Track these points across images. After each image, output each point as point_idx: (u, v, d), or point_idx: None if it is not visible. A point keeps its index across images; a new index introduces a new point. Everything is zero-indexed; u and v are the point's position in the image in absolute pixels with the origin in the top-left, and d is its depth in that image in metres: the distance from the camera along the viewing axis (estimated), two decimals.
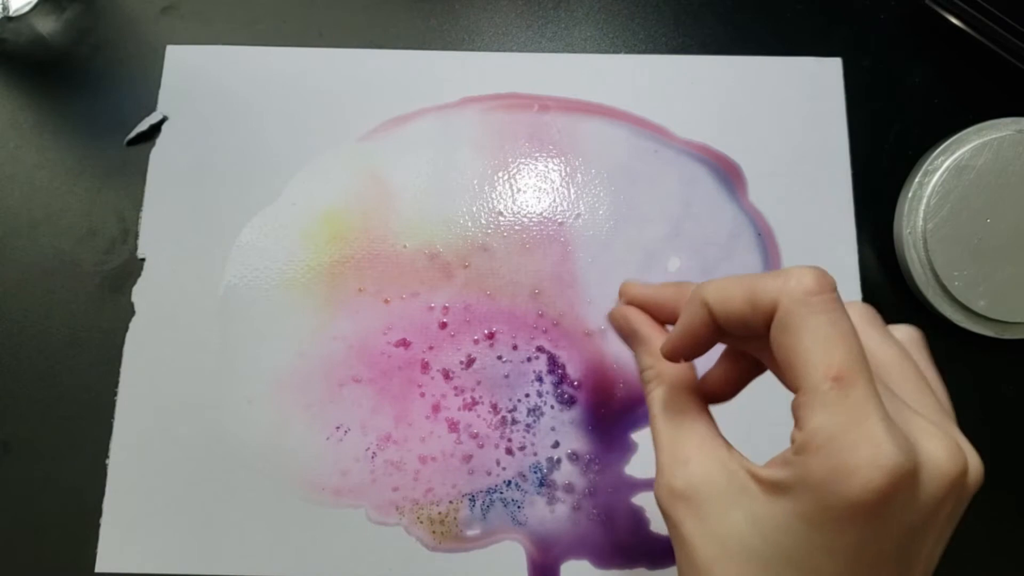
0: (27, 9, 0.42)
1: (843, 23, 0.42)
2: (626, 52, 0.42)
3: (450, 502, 0.36)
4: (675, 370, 0.22)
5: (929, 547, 0.18)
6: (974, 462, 0.18)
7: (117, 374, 0.37)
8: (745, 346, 0.21)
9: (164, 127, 0.41)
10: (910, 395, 0.19)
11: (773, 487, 0.18)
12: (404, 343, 0.38)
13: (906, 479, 0.16)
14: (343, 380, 0.37)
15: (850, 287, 0.38)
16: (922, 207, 0.37)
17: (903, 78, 0.41)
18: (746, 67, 0.41)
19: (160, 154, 0.40)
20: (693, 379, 0.22)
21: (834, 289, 0.17)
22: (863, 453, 0.16)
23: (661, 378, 0.22)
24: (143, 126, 0.41)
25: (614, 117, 0.41)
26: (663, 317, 0.23)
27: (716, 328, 0.20)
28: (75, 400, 0.37)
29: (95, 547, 0.35)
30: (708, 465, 0.19)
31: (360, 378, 0.37)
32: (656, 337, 0.22)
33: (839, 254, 0.39)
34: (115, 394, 0.37)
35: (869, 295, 0.38)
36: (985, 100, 0.41)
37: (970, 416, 0.37)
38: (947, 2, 0.40)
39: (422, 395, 0.37)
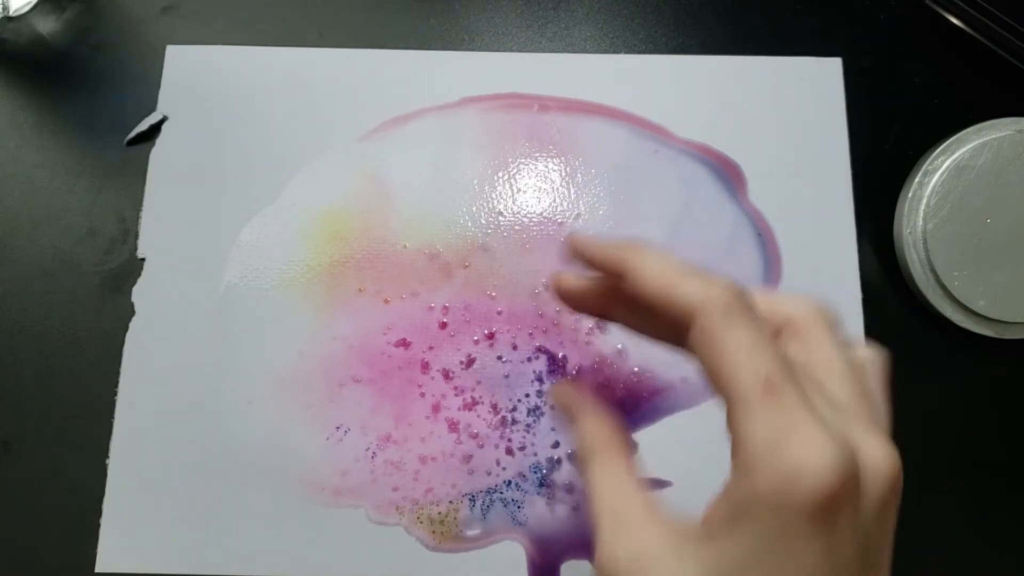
0: (27, 9, 0.42)
1: (843, 23, 0.42)
2: (626, 52, 0.42)
3: (450, 502, 0.36)
4: (609, 443, 0.22)
5: (887, 546, 0.18)
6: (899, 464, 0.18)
7: (117, 374, 0.37)
8: (641, 326, 0.23)
9: (164, 127, 0.41)
10: (843, 401, 0.19)
11: (723, 523, 0.17)
12: (404, 343, 0.38)
13: (853, 478, 0.16)
14: (343, 380, 0.37)
15: (850, 287, 0.38)
16: (922, 207, 0.37)
17: (903, 78, 0.41)
18: (746, 67, 0.41)
19: (160, 154, 0.40)
20: (627, 451, 0.22)
21: (750, 299, 0.18)
22: (807, 456, 0.16)
23: (596, 453, 0.22)
24: (143, 126, 0.41)
25: (614, 117, 0.41)
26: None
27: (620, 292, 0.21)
28: (75, 400, 0.37)
29: (95, 547, 0.35)
30: (649, 531, 0.19)
31: (360, 378, 0.37)
32: (593, 414, 0.23)
33: (839, 254, 0.39)
34: (115, 394, 0.37)
35: (869, 295, 0.38)
36: (985, 100, 0.41)
37: (970, 416, 0.37)
38: (947, 2, 0.40)
39: (422, 395, 0.37)
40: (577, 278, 0.24)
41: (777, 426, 0.16)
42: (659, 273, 0.19)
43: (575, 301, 0.24)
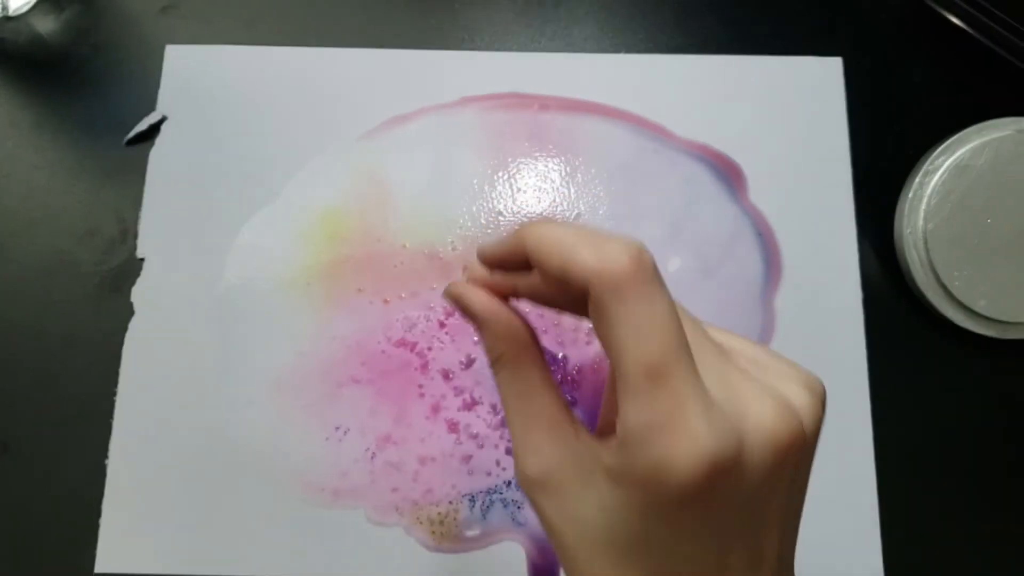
0: (26, 9, 0.42)
1: (843, 23, 0.42)
2: (626, 52, 0.42)
3: (450, 503, 0.36)
4: (520, 349, 0.20)
5: (779, 503, 0.18)
6: (808, 414, 0.18)
7: (116, 374, 0.37)
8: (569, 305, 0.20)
9: (163, 127, 0.41)
10: (748, 359, 0.19)
11: (610, 474, 0.17)
12: (403, 343, 0.38)
13: (728, 462, 0.16)
14: (342, 381, 0.37)
15: (850, 287, 0.38)
16: (922, 207, 0.37)
17: (903, 78, 0.41)
18: (746, 67, 0.41)
19: (159, 154, 0.40)
20: (540, 356, 0.21)
21: (651, 268, 0.17)
22: (680, 445, 0.16)
23: (505, 360, 0.20)
24: (142, 126, 0.40)
25: (614, 117, 0.41)
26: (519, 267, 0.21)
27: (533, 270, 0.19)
28: (74, 400, 0.37)
29: (95, 547, 0.35)
30: (558, 451, 0.19)
31: (359, 378, 0.37)
32: (499, 316, 0.21)
33: (839, 254, 0.39)
34: (114, 394, 0.37)
35: (869, 295, 0.38)
36: (985, 100, 0.41)
37: (970, 416, 0.37)
38: (947, 2, 0.40)
39: (421, 395, 0.37)
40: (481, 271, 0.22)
41: (655, 413, 0.16)
42: (555, 243, 0.18)
43: (487, 287, 0.21)
